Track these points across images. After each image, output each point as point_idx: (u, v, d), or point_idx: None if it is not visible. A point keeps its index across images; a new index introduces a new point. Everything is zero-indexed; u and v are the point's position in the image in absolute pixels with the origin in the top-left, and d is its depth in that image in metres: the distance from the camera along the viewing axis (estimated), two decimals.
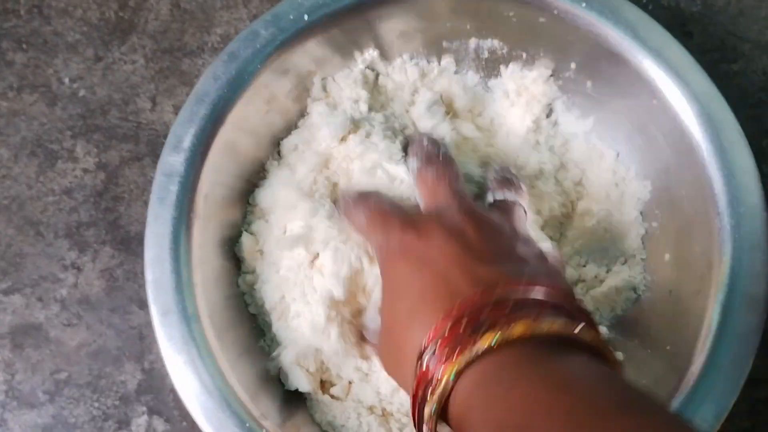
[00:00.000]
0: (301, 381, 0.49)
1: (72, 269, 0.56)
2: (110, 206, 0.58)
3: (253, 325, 0.52)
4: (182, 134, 0.49)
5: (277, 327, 0.51)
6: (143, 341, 0.55)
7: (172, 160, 0.49)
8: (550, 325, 0.35)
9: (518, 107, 0.56)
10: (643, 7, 0.61)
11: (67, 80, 0.60)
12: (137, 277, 0.56)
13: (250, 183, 0.54)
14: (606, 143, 0.56)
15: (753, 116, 0.59)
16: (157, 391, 0.54)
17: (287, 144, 0.54)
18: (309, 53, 0.53)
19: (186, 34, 0.61)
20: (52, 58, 0.61)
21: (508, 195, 0.49)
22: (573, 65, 0.55)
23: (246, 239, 0.52)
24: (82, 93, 0.60)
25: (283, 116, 0.55)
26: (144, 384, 0.54)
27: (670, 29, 0.60)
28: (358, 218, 0.47)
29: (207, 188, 0.49)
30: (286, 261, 0.50)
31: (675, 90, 0.50)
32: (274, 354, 0.50)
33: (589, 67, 0.55)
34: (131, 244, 0.57)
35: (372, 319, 0.47)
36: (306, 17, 0.52)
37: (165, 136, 0.52)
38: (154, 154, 0.58)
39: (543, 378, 0.33)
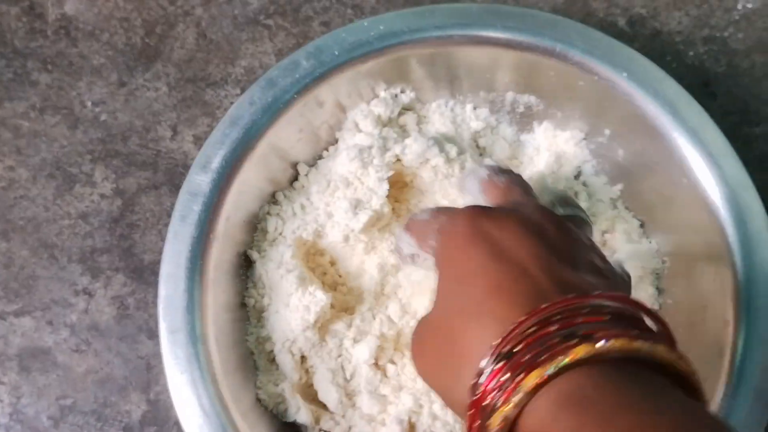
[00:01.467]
0: (300, 413, 0.50)
1: (83, 295, 0.57)
2: (125, 233, 0.58)
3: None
4: (212, 155, 0.50)
5: (281, 359, 0.51)
6: (150, 372, 0.55)
7: (199, 180, 0.49)
8: (651, 346, 0.30)
9: (548, 164, 0.56)
10: (667, 65, 0.62)
11: (89, 104, 0.61)
12: (148, 306, 0.56)
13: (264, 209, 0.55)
14: (630, 212, 0.56)
15: None
16: (161, 423, 0.54)
17: (304, 168, 0.56)
18: (346, 88, 0.54)
19: (210, 65, 0.62)
20: (77, 80, 0.61)
21: (570, 210, 0.46)
22: (607, 131, 0.55)
23: (259, 266, 0.53)
24: (103, 117, 0.60)
25: (313, 146, 0.56)
26: (149, 415, 0.54)
27: (693, 89, 0.60)
28: (420, 219, 0.43)
29: (230, 210, 0.50)
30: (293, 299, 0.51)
31: (706, 171, 0.50)
32: (278, 384, 0.51)
33: (623, 135, 0.54)
34: (144, 273, 0.57)
35: (405, 241, 0.45)
36: (347, 53, 0.52)
37: (183, 166, 0.52)
38: (172, 183, 0.58)
39: (651, 412, 0.28)
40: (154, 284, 0.48)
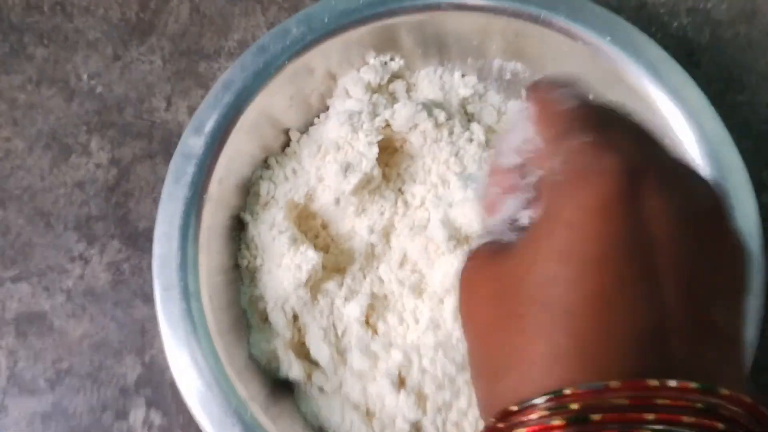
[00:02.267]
0: (292, 368, 0.50)
1: (79, 261, 0.57)
2: (120, 201, 0.59)
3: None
4: (204, 118, 0.51)
5: (273, 317, 0.52)
6: (145, 336, 0.56)
7: (192, 142, 0.50)
8: None
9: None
10: (652, 36, 0.62)
11: (85, 77, 0.62)
12: (143, 272, 0.57)
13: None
14: None
15: (755, 148, 0.60)
16: (156, 385, 0.55)
17: (295, 134, 0.57)
18: (336, 55, 0.55)
19: (204, 38, 0.63)
20: (72, 54, 0.62)
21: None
22: (591, 96, 0.56)
23: (252, 228, 0.53)
24: (99, 90, 0.61)
25: (304, 113, 0.57)
26: (143, 377, 0.55)
27: (678, 58, 0.61)
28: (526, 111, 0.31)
29: (222, 173, 0.51)
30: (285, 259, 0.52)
31: (687, 129, 0.51)
32: (271, 342, 0.51)
33: (607, 99, 0.55)
34: (139, 240, 0.58)
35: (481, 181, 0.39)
36: (337, 20, 0.53)
37: (178, 136, 0.53)
38: (167, 153, 0.59)
39: None
40: (148, 251, 0.49)
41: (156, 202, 0.51)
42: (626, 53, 0.53)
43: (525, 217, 0.29)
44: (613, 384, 0.23)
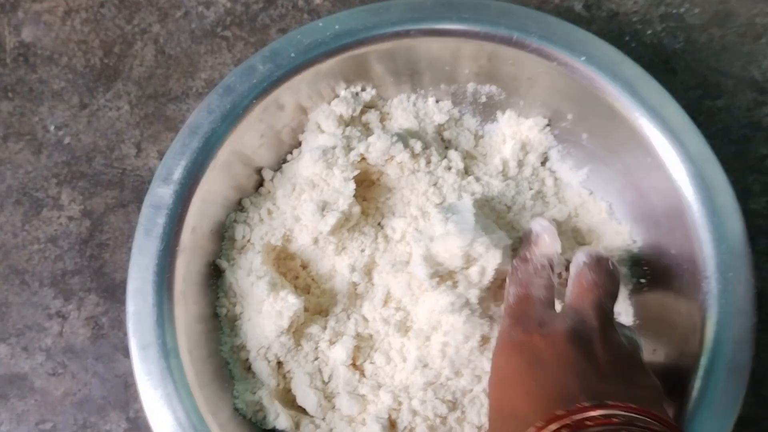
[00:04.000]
0: (279, 418, 0.49)
1: (57, 318, 0.56)
2: (95, 254, 0.58)
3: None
4: (173, 166, 0.50)
5: (257, 366, 0.51)
6: (128, 390, 0.55)
7: (161, 192, 0.49)
8: None
9: (513, 152, 0.56)
10: (626, 45, 0.62)
11: (52, 128, 0.61)
12: (122, 324, 0.56)
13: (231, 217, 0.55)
14: (599, 195, 0.56)
15: (737, 153, 0.59)
16: None
17: (268, 174, 0.55)
18: (305, 89, 0.54)
19: (171, 80, 0.62)
20: (38, 106, 0.61)
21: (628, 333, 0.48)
22: (570, 116, 0.55)
23: (229, 275, 0.52)
24: (67, 140, 0.60)
25: (276, 150, 0.56)
26: None
27: (654, 66, 0.61)
28: (508, 293, 0.47)
29: (194, 221, 0.50)
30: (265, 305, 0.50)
31: (670, 149, 0.50)
32: (255, 392, 0.50)
33: (585, 119, 0.55)
34: (116, 292, 0.57)
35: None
36: (304, 54, 0.52)
37: (150, 182, 0.52)
38: (139, 201, 0.58)
39: None
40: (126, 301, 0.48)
41: (131, 251, 0.49)
42: (602, 72, 0.51)
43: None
44: (538, 424, 0.37)
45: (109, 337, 0.56)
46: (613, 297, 0.46)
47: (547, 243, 0.48)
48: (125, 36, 0.63)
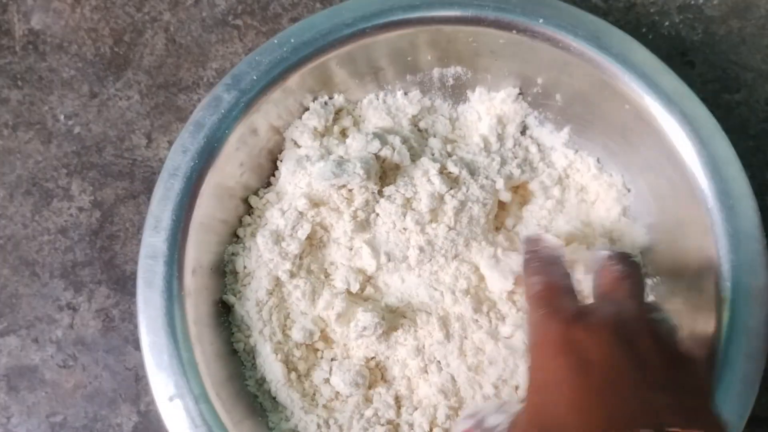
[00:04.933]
0: None
1: (67, 310, 0.56)
2: (105, 245, 0.57)
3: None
4: (159, 213, 0.48)
5: (285, 394, 0.50)
6: (139, 383, 0.54)
7: (154, 241, 0.48)
8: None
9: (491, 128, 0.56)
10: (643, 36, 0.61)
11: (62, 117, 0.60)
12: (133, 317, 0.55)
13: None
14: (585, 152, 0.56)
15: (756, 148, 0.58)
16: None
17: (256, 200, 0.54)
18: (274, 110, 0.53)
19: (181, 69, 0.61)
20: (48, 95, 0.60)
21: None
22: (539, 80, 0.55)
23: (239, 308, 0.52)
24: (77, 130, 0.60)
25: (259, 175, 0.55)
26: (140, 427, 0.54)
27: (671, 59, 0.60)
28: (530, 283, 0.44)
29: (193, 263, 0.49)
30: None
31: (643, 92, 0.50)
32: (292, 420, 0.50)
33: (556, 80, 0.54)
34: (127, 284, 0.56)
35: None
36: (265, 75, 0.51)
37: (159, 174, 0.51)
38: (149, 192, 0.57)
39: None
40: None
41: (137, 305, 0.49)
42: (563, 31, 0.51)
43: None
44: None
45: (120, 330, 0.55)
46: (643, 289, 0.44)
47: (549, 239, 0.48)
48: (135, 24, 0.62)
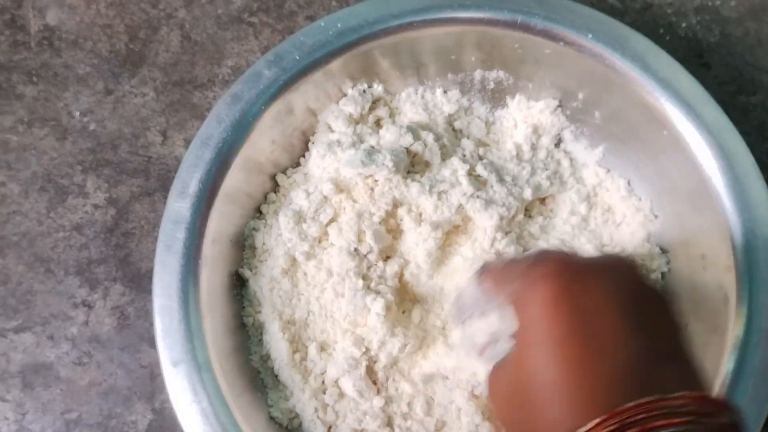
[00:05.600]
0: (317, 427, 0.49)
1: (83, 307, 0.56)
2: (121, 242, 0.57)
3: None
4: (187, 179, 0.49)
5: (288, 374, 0.50)
6: (154, 381, 0.54)
7: (178, 206, 0.48)
8: None
9: (526, 136, 0.56)
10: (660, 38, 0.61)
11: (77, 114, 0.60)
12: (148, 315, 0.55)
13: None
14: (617, 172, 0.56)
15: None
16: None
17: (283, 179, 0.54)
18: (313, 91, 0.53)
19: (196, 67, 0.61)
20: (63, 91, 0.60)
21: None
22: (580, 95, 0.55)
23: (252, 284, 0.52)
24: (92, 127, 0.60)
25: (289, 154, 0.55)
26: (155, 425, 0.54)
27: (688, 60, 0.59)
28: (498, 265, 0.42)
29: (214, 233, 0.49)
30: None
31: (685, 121, 0.49)
32: (289, 399, 0.50)
33: (596, 96, 0.54)
34: (142, 282, 0.56)
35: (474, 292, 0.43)
36: (308, 56, 0.51)
37: (176, 171, 0.52)
38: (165, 189, 0.58)
39: None
40: (152, 292, 0.48)
41: (158, 240, 0.49)
42: (610, 48, 0.51)
43: (505, 336, 0.38)
44: (596, 421, 0.30)
45: (135, 327, 0.55)
46: None
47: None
48: (150, 21, 0.62)
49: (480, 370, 0.47)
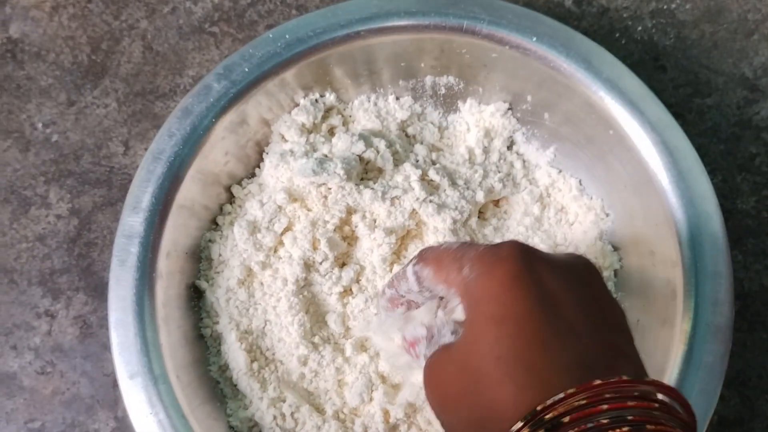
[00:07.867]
0: None
1: (46, 317, 0.56)
2: (83, 252, 0.58)
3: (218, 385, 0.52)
4: (140, 194, 0.49)
5: (246, 383, 0.51)
6: (117, 389, 0.54)
7: (131, 221, 0.49)
8: None
9: (478, 140, 0.57)
10: (616, 41, 0.61)
11: (40, 125, 0.60)
12: None
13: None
14: (568, 172, 0.57)
15: (726, 151, 0.59)
16: None
17: (238, 190, 0.55)
18: (265, 102, 0.53)
19: (158, 77, 0.61)
20: (25, 103, 0.61)
21: None
22: (529, 98, 0.56)
23: (209, 295, 0.52)
24: (55, 138, 0.60)
25: (245, 165, 0.56)
26: None
27: (644, 63, 0.60)
28: (442, 248, 0.38)
29: (169, 246, 0.49)
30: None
31: (630, 119, 0.50)
32: (250, 409, 0.50)
33: (545, 99, 0.55)
34: (105, 291, 0.56)
35: (412, 276, 0.39)
36: (258, 68, 0.52)
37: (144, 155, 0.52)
38: None
39: None
40: None
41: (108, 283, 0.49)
42: (554, 50, 0.51)
43: (451, 324, 0.37)
44: (570, 390, 0.29)
45: (98, 336, 0.56)
46: None
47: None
48: (113, 32, 0.62)
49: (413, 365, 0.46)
